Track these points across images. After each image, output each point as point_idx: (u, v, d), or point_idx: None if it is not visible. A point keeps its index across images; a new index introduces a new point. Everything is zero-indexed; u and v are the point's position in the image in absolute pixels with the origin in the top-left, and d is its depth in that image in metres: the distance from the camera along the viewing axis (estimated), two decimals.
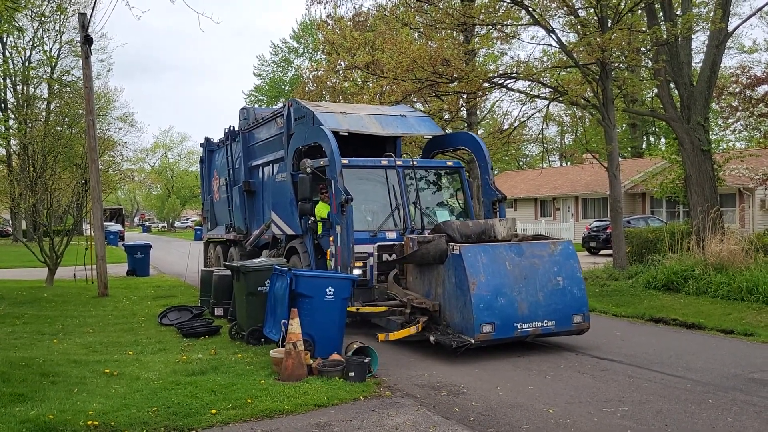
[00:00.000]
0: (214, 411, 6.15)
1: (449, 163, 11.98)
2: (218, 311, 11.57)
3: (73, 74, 40.25)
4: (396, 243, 10.05)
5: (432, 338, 8.36)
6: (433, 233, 9.25)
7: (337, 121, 11.18)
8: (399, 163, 11.13)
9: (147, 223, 75.84)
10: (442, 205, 11.66)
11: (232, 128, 15.14)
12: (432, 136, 12.52)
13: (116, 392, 6.77)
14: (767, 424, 5.82)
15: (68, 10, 29.88)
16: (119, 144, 29.09)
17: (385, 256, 10.14)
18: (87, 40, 14.87)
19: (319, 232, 10.55)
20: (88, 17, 15.09)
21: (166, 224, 76.05)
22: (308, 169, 10.17)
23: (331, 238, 9.98)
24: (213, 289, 11.87)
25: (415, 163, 11.36)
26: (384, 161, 11.06)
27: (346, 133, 11.05)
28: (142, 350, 9.03)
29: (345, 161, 10.19)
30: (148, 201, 79.90)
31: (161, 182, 71.25)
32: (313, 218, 10.49)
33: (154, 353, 8.84)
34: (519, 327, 8.25)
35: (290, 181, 11.25)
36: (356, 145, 11.61)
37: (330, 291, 8.22)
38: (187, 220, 79.95)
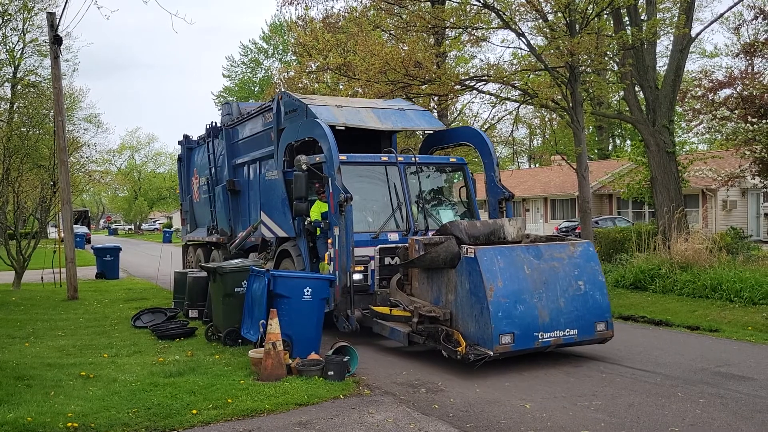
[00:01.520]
0: (194, 411, 6.16)
1: (452, 159, 11.39)
2: (193, 313, 11.52)
3: (37, 74, 39.41)
4: (399, 245, 9.44)
5: (445, 353, 7.69)
6: (438, 234, 8.67)
7: (333, 114, 10.52)
8: (400, 159, 10.41)
9: (113, 226, 74.64)
10: (445, 204, 11.15)
11: (214, 124, 14.57)
12: (432, 131, 11.83)
13: (94, 394, 6.74)
14: (734, 415, 6.06)
15: (34, 8, 29.28)
16: (87, 145, 28.61)
17: (387, 260, 9.60)
18: (56, 40, 14.64)
19: (318, 234, 9.99)
20: (58, 17, 14.84)
21: (132, 227, 74.94)
22: (303, 166, 9.51)
23: (329, 240, 9.33)
24: (187, 290, 11.81)
25: (417, 159, 10.63)
26: (384, 157, 10.38)
27: (342, 128, 10.34)
28: (117, 353, 8.96)
29: (343, 157, 9.55)
30: (114, 203, 78.62)
31: (128, 184, 70.18)
32: (309, 219, 9.85)
33: (129, 355, 8.78)
34: (540, 337, 7.61)
35: (282, 179, 10.72)
36: (348, 140, 10.72)
37: (308, 291, 8.24)
38: (154, 222, 78.91)
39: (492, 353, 7.30)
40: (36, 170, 21.02)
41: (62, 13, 17.42)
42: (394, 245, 9.62)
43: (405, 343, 8.39)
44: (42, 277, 17.69)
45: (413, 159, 10.59)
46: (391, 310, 8.90)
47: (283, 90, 14.60)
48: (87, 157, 33.79)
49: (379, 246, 9.65)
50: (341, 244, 9.03)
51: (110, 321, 11.77)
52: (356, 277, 9.15)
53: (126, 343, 9.61)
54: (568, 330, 7.81)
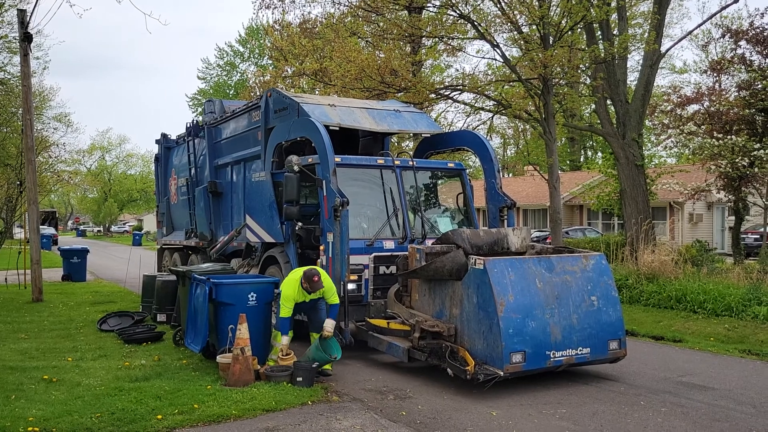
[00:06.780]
0: (159, 416, 6.09)
1: (450, 165, 10.89)
2: (161, 317, 11.36)
3: (6, 71, 38.67)
4: (395, 253, 9.04)
5: (450, 371, 7.26)
6: (439, 243, 8.27)
7: (326, 113, 9.98)
8: (397, 162, 9.93)
9: (82, 227, 73.40)
10: (442, 211, 10.79)
11: (195, 122, 13.93)
12: (430, 134, 11.24)
13: (56, 398, 6.64)
14: (693, 424, 6.19)
15: (5, 4, 28.78)
16: (56, 145, 28.14)
17: (383, 269, 9.12)
18: (26, 37, 14.41)
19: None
20: (29, 14, 14.61)
21: (102, 229, 73.77)
22: (295, 167, 9.00)
23: (321, 247, 8.84)
24: (156, 294, 11.67)
25: (414, 163, 10.12)
26: (380, 160, 9.90)
27: (337, 128, 9.85)
28: (81, 356, 8.82)
29: (337, 159, 9.06)
30: (84, 204, 77.26)
31: (98, 185, 69.05)
32: (300, 224, 9.39)
33: (94, 359, 8.65)
34: (552, 356, 7.19)
35: (270, 180, 10.23)
36: (336, 142, 9.86)
37: (252, 297, 8.03)
38: (124, 224, 77.81)
39: (502, 373, 6.87)
40: (2, 169, 20.64)
41: (33, 10, 17.16)
42: (389, 253, 9.17)
43: (404, 359, 7.88)
44: (6, 279, 17.34)
45: (410, 163, 10.11)
46: (388, 323, 8.43)
47: (272, 87, 14.03)
48: (56, 157, 33.21)
49: (374, 254, 9.14)
50: (335, 252, 8.57)
51: (75, 324, 11.56)
52: (350, 287, 8.68)
53: (91, 347, 9.46)
54: (580, 348, 7.41)
